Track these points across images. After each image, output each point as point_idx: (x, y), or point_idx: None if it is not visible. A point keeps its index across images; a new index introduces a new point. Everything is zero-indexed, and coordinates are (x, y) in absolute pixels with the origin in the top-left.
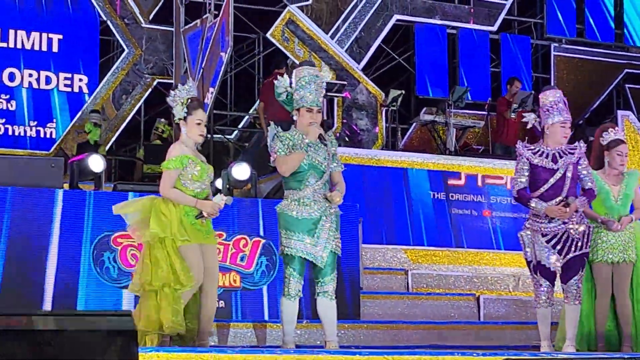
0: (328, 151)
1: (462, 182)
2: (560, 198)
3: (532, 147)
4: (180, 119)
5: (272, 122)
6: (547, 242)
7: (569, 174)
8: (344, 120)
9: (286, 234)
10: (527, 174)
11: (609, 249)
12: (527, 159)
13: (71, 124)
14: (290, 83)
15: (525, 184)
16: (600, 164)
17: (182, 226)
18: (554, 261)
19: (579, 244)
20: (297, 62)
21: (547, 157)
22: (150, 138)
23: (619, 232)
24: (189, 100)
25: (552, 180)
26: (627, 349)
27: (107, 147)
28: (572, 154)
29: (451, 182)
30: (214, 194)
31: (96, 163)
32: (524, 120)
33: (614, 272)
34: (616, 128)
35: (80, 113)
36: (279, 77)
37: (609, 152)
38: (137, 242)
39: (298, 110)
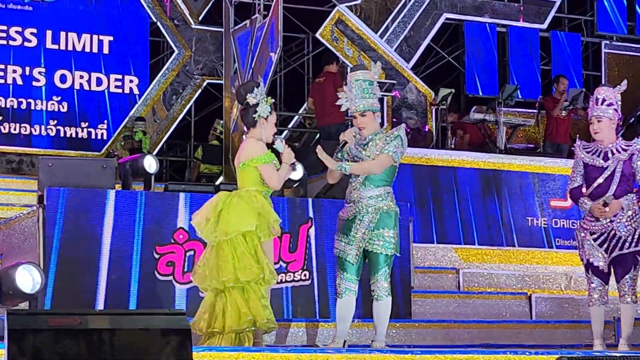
0: (378, 147)
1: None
2: (606, 197)
3: (588, 146)
4: (261, 117)
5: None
6: (595, 240)
7: (618, 172)
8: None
9: (336, 235)
10: (581, 173)
11: None
12: (581, 158)
13: (122, 125)
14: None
15: (579, 183)
16: None
17: (272, 220)
18: (601, 259)
19: (628, 241)
20: (347, 62)
21: (599, 155)
22: (204, 138)
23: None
24: (272, 100)
25: (600, 179)
26: None
27: (158, 148)
28: (626, 150)
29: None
30: None
31: (150, 164)
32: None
33: None
34: None
35: (131, 114)
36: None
37: None
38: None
39: (374, 113)
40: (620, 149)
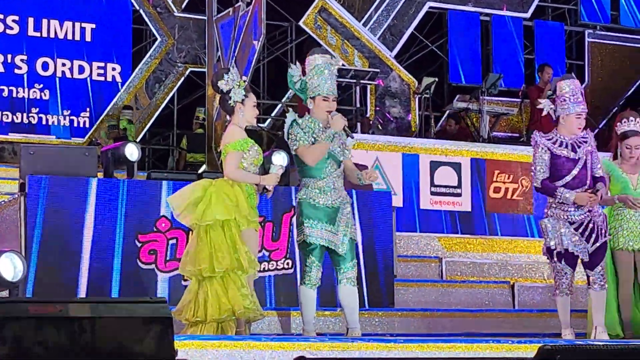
0: (341, 139)
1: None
2: (587, 187)
3: (549, 137)
4: (237, 102)
5: (290, 109)
6: (576, 229)
7: (589, 162)
8: (377, 108)
9: (308, 223)
10: (548, 163)
11: (630, 236)
12: (548, 149)
13: (105, 113)
14: (304, 71)
15: (547, 174)
16: (617, 152)
17: (250, 209)
18: (582, 248)
19: (602, 231)
20: (330, 50)
21: (566, 146)
22: (187, 127)
23: (638, 209)
24: (245, 83)
25: (575, 170)
26: None
27: (140, 136)
28: (586, 142)
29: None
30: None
31: (132, 151)
32: (539, 107)
33: (636, 259)
34: (630, 118)
35: (113, 102)
36: (291, 65)
37: (620, 142)
38: (191, 226)
39: (313, 99)
40: (582, 141)
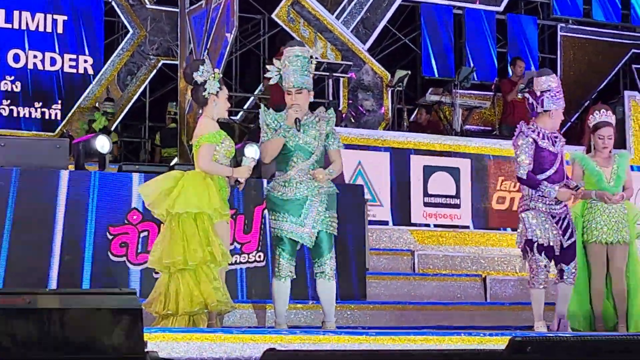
0: (320, 130)
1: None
2: (565, 182)
3: (533, 129)
4: (212, 94)
5: (262, 105)
6: (556, 224)
7: (563, 158)
8: (350, 101)
9: (274, 215)
10: (532, 155)
11: (603, 229)
12: (534, 141)
13: (76, 106)
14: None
15: (532, 166)
16: (590, 146)
17: (222, 201)
18: (559, 242)
19: (572, 225)
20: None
21: (549, 140)
22: (159, 119)
23: (614, 204)
24: (219, 75)
25: (556, 164)
26: (622, 328)
27: (112, 129)
28: (559, 137)
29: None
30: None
31: (102, 144)
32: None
33: (608, 252)
34: (602, 110)
35: (85, 94)
36: (274, 60)
37: (593, 134)
38: (160, 217)
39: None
40: (557, 136)
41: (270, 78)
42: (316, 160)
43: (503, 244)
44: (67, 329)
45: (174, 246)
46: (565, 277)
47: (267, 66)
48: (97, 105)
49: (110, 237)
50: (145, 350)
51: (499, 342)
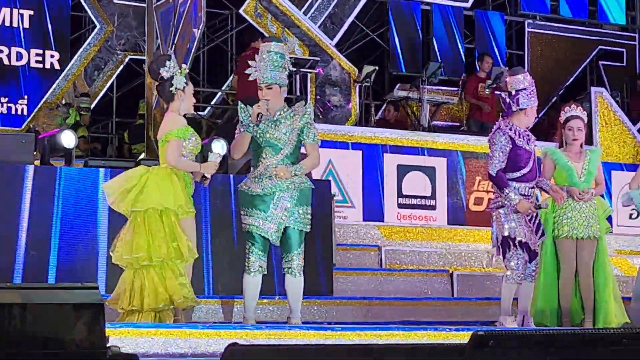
0: (293, 125)
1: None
2: (537, 180)
3: (509, 126)
4: (178, 89)
5: (240, 102)
6: (529, 221)
7: (535, 156)
8: (317, 97)
9: (244, 211)
10: (507, 153)
11: (573, 225)
12: (511, 139)
13: (42, 101)
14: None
15: (504, 165)
16: (562, 142)
17: (187, 198)
18: (532, 240)
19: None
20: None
21: (523, 138)
22: (127, 115)
23: (583, 201)
24: (186, 70)
25: (531, 162)
26: (588, 323)
27: (88, 123)
28: (530, 136)
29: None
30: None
31: (68, 139)
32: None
33: (578, 247)
34: (572, 106)
35: (52, 90)
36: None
37: (563, 129)
38: (125, 213)
39: None
40: (530, 134)
41: (248, 74)
42: (286, 156)
43: (470, 240)
44: (28, 324)
45: (138, 242)
46: (527, 274)
47: (250, 62)
48: (63, 101)
49: (76, 232)
50: (107, 345)
51: (465, 338)
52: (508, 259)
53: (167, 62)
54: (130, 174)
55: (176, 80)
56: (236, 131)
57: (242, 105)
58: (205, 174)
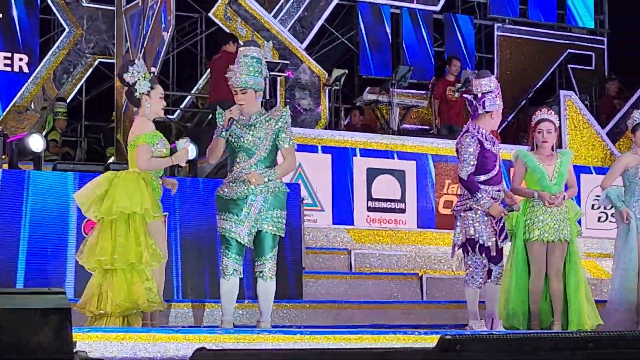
0: (268, 130)
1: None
2: (501, 187)
3: (477, 130)
4: (143, 94)
5: (217, 107)
6: (495, 224)
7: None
8: (287, 100)
9: (219, 215)
10: (477, 157)
11: (544, 228)
12: (480, 142)
13: (11, 104)
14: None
15: (474, 168)
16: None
17: (155, 202)
18: (494, 243)
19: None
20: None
21: (490, 141)
22: (96, 118)
23: (554, 206)
24: (151, 75)
25: (497, 165)
26: (557, 326)
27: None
28: (494, 139)
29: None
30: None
31: (36, 142)
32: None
33: (548, 251)
34: (543, 109)
35: (20, 93)
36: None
37: (534, 132)
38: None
39: None
40: (494, 137)
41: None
42: (260, 160)
43: (439, 243)
44: None
45: (102, 245)
46: (492, 277)
47: (230, 67)
48: (39, 107)
49: (45, 236)
50: (74, 350)
51: (434, 341)
52: (467, 262)
53: (130, 68)
54: (99, 181)
55: (139, 85)
56: (214, 136)
57: (220, 110)
58: (180, 164)
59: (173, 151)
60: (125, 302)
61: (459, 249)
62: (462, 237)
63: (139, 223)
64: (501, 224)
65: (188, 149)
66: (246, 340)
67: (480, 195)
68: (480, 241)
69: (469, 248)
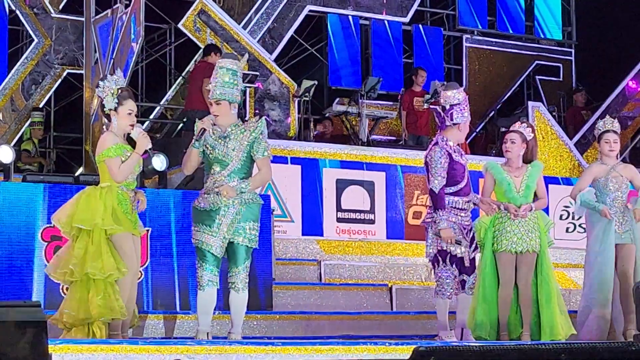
0: (242, 141)
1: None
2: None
3: (446, 142)
4: (110, 110)
5: (197, 119)
6: (466, 235)
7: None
8: (256, 111)
9: (193, 226)
10: (446, 169)
11: (512, 239)
12: (449, 154)
13: None
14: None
15: (445, 180)
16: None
17: (114, 214)
18: (467, 253)
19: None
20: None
21: (458, 153)
22: (61, 130)
23: (520, 218)
24: (119, 91)
25: (466, 176)
26: (526, 336)
27: (16, 138)
28: (461, 151)
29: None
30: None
31: (4, 154)
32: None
33: (517, 261)
34: (517, 123)
35: None
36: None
37: (502, 145)
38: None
39: None
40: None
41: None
42: (233, 171)
43: (409, 254)
44: None
45: (67, 259)
46: (466, 288)
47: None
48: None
49: (14, 247)
50: None
51: (405, 352)
52: (437, 273)
53: (101, 83)
54: (72, 200)
55: (106, 101)
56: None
57: (199, 121)
58: (148, 150)
59: (145, 163)
60: (84, 313)
61: (430, 261)
62: (433, 249)
63: (98, 237)
64: (471, 234)
65: (142, 133)
66: (217, 352)
67: (441, 214)
68: (453, 252)
69: (440, 259)
